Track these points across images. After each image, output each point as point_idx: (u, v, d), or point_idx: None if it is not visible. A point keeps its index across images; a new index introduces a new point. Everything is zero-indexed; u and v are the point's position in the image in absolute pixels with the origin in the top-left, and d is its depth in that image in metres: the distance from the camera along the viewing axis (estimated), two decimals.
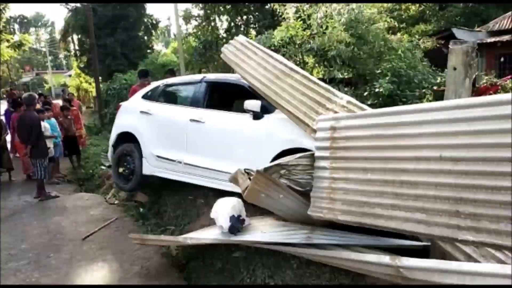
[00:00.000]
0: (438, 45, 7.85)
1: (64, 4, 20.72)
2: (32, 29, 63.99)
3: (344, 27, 6.04)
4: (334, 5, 6.30)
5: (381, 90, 5.08)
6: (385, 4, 8.44)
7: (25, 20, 62.75)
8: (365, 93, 5.42)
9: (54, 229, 5.10)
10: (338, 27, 6.03)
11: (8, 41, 33.02)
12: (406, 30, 8.84)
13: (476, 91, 5.02)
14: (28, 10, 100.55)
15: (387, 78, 5.27)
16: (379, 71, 5.63)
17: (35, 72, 53.07)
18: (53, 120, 8.09)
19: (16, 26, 58.45)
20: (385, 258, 2.46)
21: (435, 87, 5.45)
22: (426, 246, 2.96)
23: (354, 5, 6.13)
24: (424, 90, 5.46)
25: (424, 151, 2.43)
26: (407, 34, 7.82)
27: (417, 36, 7.49)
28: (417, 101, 5.16)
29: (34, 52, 56.03)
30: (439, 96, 5.12)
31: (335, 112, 3.19)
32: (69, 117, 8.82)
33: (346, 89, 5.61)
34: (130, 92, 7.16)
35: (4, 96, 29.63)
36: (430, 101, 5.13)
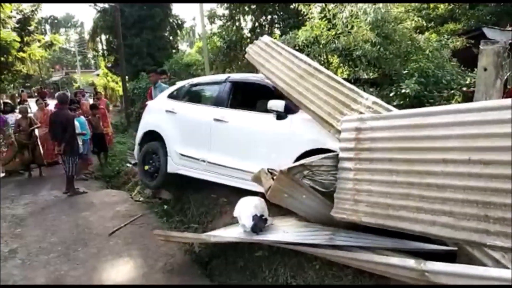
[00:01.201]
0: (467, 45, 7.62)
1: (93, 5, 21.22)
2: (62, 30, 65.90)
3: (370, 26, 5.95)
4: (360, 4, 6.21)
5: (407, 90, 4.98)
6: (412, 3, 8.26)
7: (56, 21, 64.74)
8: (391, 94, 5.32)
9: (82, 224, 5.26)
10: (364, 27, 5.94)
11: (39, 41, 34.21)
12: (434, 29, 8.63)
13: (508, 93, 4.86)
14: (59, 11, 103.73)
15: (414, 78, 5.15)
16: (405, 71, 5.51)
17: (64, 71, 54.70)
18: (82, 118, 8.33)
19: (48, 27, 60.45)
20: (410, 262, 2.43)
21: (464, 88, 5.30)
22: (452, 250, 2.89)
23: (380, 4, 6.03)
24: (452, 91, 5.32)
25: (452, 153, 2.38)
26: (435, 33, 7.63)
27: (445, 36, 7.30)
28: (445, 103, 5.03)
29: (64, 52, 57.69)
30: (468, 97, 4.99)
31: (360, 112, 3.16)
32: (97, 115, 9.06)
33: (371, 89, 5.53)
34: (148, 93, 7.37)
35: (35, 94, 30.72)
36: (459, 102, 5.00)
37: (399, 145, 2.68)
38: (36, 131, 8.62)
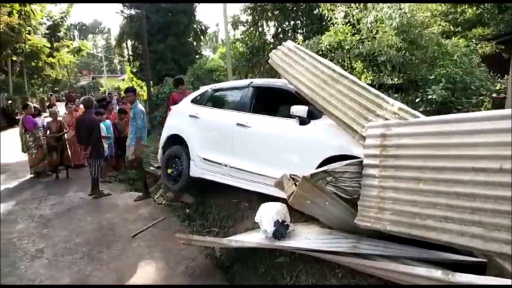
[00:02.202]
0: (497, 50, 7.41)
1: (120, 11, 21.78)
2: (90, 36, 67.87)
3: (395, 31, 5.86)
4: (385, 9, 6.13)
5: (434, 96, 4.87)
6: (439, 7, 8.09)
7: (84, 27, 66.77)
8: (417, 100, 5.22)
9: (106, 226, 5.36)
10: (389, 32, 5.86)
11: (68, 47, 35.40)
12: (462, 34, 8.41)
13: None
14: (87, 17, 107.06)
15: (441, 84, 5.03)
16: (432, 77, 5.39)
17: (91, 76, 56.26)
18: (108, 122, 8.52)
19: (76, 33, 62.35)
20: (437, 273, 2.36)
21: (494, 94, 5.14)
22: (481, 262, 2.79)
23: (406, 9, 5.94)
24: (481, 98, 5.17)
25: (482, 161, 2.30)
26: (463, 38, 7.44)
27: (474, 41, 7.11)
28: (474, 109, 4.89)
29: (91, 57, 59.38)
30: (498, 104, 4.84)
31: (386, 119, 3.11)
32: (124, 119, 9.26)
33: (396, 95, 5.43)
34: (170, 100, 7.55)
35: (63, 98, 31.69)
36: (489, 109, 4.85)
37: (427, 153, 2.61)
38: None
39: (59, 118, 8.97)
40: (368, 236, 3.20)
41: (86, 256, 4.42)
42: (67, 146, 8.76)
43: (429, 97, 4.96)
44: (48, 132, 8.65)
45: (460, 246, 2.44)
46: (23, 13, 24.31)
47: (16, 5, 22.64)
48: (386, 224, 2.76)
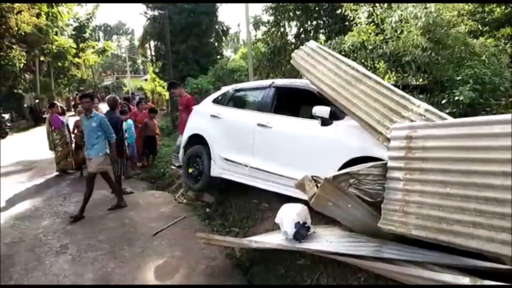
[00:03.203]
0: None
1: (143, 13, 22.12)
2: (114, 37, 69.25)
3: (421, 31, 5.72)
4: (410, 8, 5.99)
5: (461, 98, 4.71)
6: (466, 7, 7.87)
7: (109, 28, 68.20)
8: (443, 101, 5.06)
9: (128, 223, 5.44)
10: (414, 31, 5.71)
11: (93, 47, 36.25)
12: (490, 34, 8.15)
13: None
14: (112, 19, 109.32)
15: (469, 85, 4.87)
16: (459, 77, 5.23)
17: (115, 76, 57.42)
18: (130, 121, 8.65)
19: (101, 34, 63.78)
20: (464, 280, 2.29)
21: None
22: (510, 269, 2.68)
23: (432, 8, 5.78)
24: (511, 99, 4.99)
25: None
26: (491, 38, 7.21)
27: (502, 40, 6.87)
28: (503, 111, 4.71)
29: (115, 57, 60.64)
30: None
31: (412, 120, 3.03)
32: (153, 119, 9.43)
33: (421, 96, 5.29)
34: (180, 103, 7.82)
35: None
36: None
37: (454, 155, 2.53)
38: None
39: None
40: (391, 240, 3.12)
41: (109, 253, 4.49)
42: None
43: (456, 98, 4.81)
44: (75, 131, 8.86)
45: (489, 252, 2.36)
46: (50, 14, 25.03)
47: (44, 7, 23.32)
48: (411, 228, 2.69)
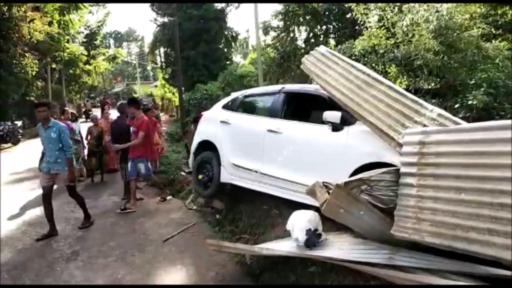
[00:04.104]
0: None
1: (153, 19, 22.37)
2: (124, 43, 70.09)
3: (432, 34, 5.66)
4: (422, 12, 5.94)
5: (474, 102, 4.64)
6: (478, 9, 7.78)
7: (119, 35, 69.10)
8: (456, 106, 4.99)
9: (138, 230, 5.44)
10: (426, 35, 5.66)
11: (104, 54, 36.74)
12: (504, 37, 8.04)
13: None
14: (122, 26, 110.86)
15: (482, 89, 4.80)
16: (472, 81, 5.16)
17: (125, 82, 58.11)
18: None
19: (111, 41, 64.64)
20: None
21: None
22: None
23: (444, 12, 5.72)
24: None
25: None
26: (504, 41, 7.10)
27: None
28: None
29: (125, 64, 61.38)
30: None
31: (424, 125, 2.98)
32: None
33: (433, 100, 5.23)
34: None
35: (98, 104, 32.84)
36: None
37: (469, 161, 2.48)
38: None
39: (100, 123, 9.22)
40: (404, 247, 3.06)
41: (119, 259, 4.49)
42: (107, 151, 8.99)
43: (469, 102, 4.74)
44: (89, 137, 8.93)
45: (506, 260, 2.29)
46: (62, 22, 25.45)
47: (56, 15, 23.73)
48: (424, 235, 2.64)
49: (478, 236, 2.38)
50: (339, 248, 3.27)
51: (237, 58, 35.28)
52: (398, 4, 6.51)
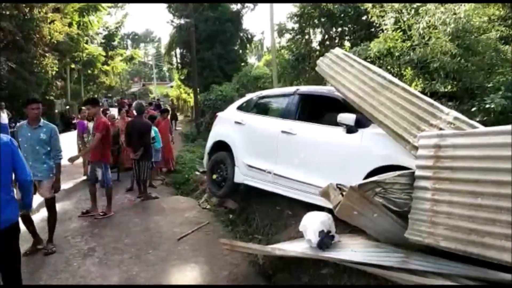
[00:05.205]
0: None
1: (170, 21, 22.66)
2: (141, 44, 71.01)
3: (449, 37, 5.60)
4: (439, 14, 5.89)
5: (492, 106, 4.57)
6: (496, 12, 7.67)
7: (136, 37, 70.03)
8: (473, 109, 4.93)
9: (153, 228, 5.51)
10: (443, 38, 5.60)
11: (121, 55, 37.31)
12: None
13: None
14: (140, 27, 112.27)
15: (500, 92, 4.72)
16: (490, 84, 5.09)
17: (142, 83, 58.82)
18: (155, 128, 8.81)
19: (129, 42, 65.56)
20: None
21: None
22: None
23: (462, 14, 5.66)
24: None
25: None
26: None
27: None
28: None
29: (142, 65, 62.18)
30: None
31: (440, 128, 2.96)
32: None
33: (449, 103, 5.17)
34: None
35: (116, 104, 33.35)
36: None
37: (486, 165, 2.46)
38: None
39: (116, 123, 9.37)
40: (418, 251, 3.04)
41: (134, 256, 4.56)
42: (123, 149, 9.12)
43: (487, 106, 4.67)
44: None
45: None
46: (81, 23, 25.98)
47: (75, 16, 24.26)
48: (439, 239, 2.62)
49: (494, 241, 2.36)
50: (352, 250, 3.26)
51: (251, 59, 35.40)
52: (414, 6, 6.46)
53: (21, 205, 3.24)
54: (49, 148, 4.71)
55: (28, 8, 17.83)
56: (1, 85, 16.31)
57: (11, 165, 3.03)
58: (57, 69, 20.93)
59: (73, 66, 27.29)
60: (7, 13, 16.77)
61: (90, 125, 9.27)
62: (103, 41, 33.64)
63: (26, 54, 18.25)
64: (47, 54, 19.61)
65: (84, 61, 28.60)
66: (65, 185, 8.22)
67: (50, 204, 4.86)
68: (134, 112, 8.53)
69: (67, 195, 7.60)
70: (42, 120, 4.77)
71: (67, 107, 24.38)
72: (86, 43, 28.32)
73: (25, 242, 4.87)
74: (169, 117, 11.42)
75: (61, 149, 4.89)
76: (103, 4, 27.50)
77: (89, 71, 31.55)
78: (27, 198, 3.30)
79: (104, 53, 31.41)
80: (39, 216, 5.64)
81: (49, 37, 19.46)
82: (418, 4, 6.37)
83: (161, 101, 24.88)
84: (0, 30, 16.27)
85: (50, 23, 19.62)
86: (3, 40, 16.73)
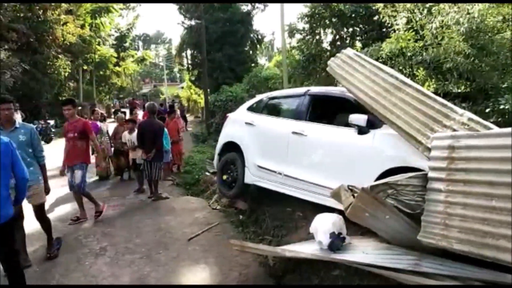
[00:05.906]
0: None
1: (181, 22, 22.81)
2: (152, 46, 71.55)
3: (463, 37, 5.53)
4: (452, 14, 5.82)
5: (507, 106, 4.51)
6: (511, 11, 7.56)
7: (148, 38, 70.62)
8: (487, 110, 4.86)
9: (164, 228, 5.54)
10: (456, 38, 5.54)
11: (133, 56, 37.65)
12: None
13: None
14: (151, 29, 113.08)
15: None
16: (505, 85, 5.02)
17: (153, 84, 59.29)
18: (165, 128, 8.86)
19: (140, 43, 66.14)
20: None
21: None
22: None
23: (476, 14, 5.58)
24: None
25: None
26: None
27: None
28: None
29: (153, 66, 62.62)
30: None
31: (454, 130, 2.92)
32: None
33: (463, 104, 5.11)
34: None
35: (127, 105, 33.66)
36: None
37: (500, 167, 2.41)
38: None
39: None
40: (430, 254, 3.00)
41: (145, 256, 4.59)
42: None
43: (501, 107, 4.61)
44: (115, 137, 9.17)
45: None
46: (93, 25, 26.31)
47: (88, 18, 24.58)
48: (452, 242, 2.58)
49: (509, 244, 2.31)
50: (363, 252, 3.23)
51: (262, 60, 35.40)
52: (427, 6, 6.39)
53: (13, 202, 3.42)
54: (30, 150, 4.28)
55: (41, 11, 18.11)
56: (15, 86, 16.59)
57: (10, 164, 3.24)
58: (69, 71, 21.25)
59: (85, 67, 27.66)
60: (21, 15, 17.06)
61: (104, 126, 9.42)
62: (114, 42, 33.98)
63: (40, 56, 18.55)
64: (60, 56, 19.92)
65: (96, 62, 28.94)
66: None
67: (40, 213, 4.50)
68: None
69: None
70: (17, 121, 4.32)
71: (80, 108, 24.61)
72: (98, 44, 28.64)
73: (35, 241, 4.99)
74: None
75: (43, 149, 4.52)
76: (115, 6, 27.82)
77: (101, 72, 31.92)
78: (21, 196, 3.50)
79: (115, 55, 31.74)
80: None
81: (62, 39, 19.77)
82: (431, 3, 6.30)
83: (175, 102, 25.05)
84: (15, 32, 16.57)
85: (63, 25, 19.94)
86: (17, 42, 17.03)
